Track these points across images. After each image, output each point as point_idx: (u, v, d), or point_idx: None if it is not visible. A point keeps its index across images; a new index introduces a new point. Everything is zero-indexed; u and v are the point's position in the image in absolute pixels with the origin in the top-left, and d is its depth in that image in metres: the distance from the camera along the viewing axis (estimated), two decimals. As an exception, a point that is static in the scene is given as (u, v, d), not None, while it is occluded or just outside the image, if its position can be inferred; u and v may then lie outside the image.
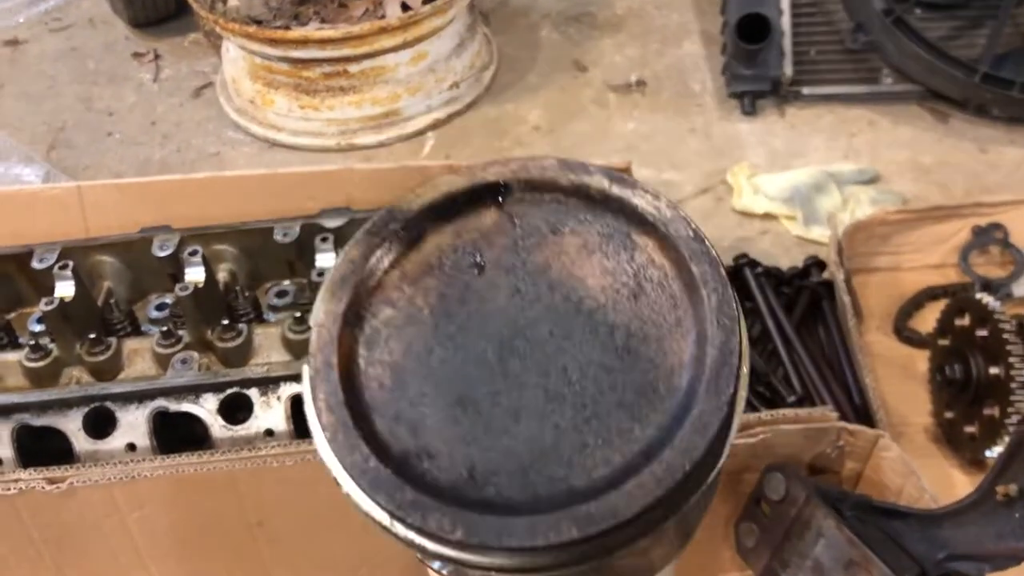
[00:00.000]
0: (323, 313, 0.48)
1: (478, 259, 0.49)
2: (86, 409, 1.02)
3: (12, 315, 1.19)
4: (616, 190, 0.48)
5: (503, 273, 0.48)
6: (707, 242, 0.47)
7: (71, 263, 1.11)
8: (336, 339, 0.47)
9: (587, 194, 0.49)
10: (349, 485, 0.46)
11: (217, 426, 1.02)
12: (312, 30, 1.70)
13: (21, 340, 1.15)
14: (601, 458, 0.44)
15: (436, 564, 0.52)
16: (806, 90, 1.85)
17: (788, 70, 1.81)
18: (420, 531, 0.44)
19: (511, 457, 0.45)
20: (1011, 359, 1.08)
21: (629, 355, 0.46)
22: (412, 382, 0.46)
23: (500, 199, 0.50)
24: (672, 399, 0.45)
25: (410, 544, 0.46)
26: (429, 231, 0.50)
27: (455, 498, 0.44)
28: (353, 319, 0.48)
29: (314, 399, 0.47)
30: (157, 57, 2.10)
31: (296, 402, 1.02)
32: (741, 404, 0.47)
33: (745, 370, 0.47)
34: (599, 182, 0.49)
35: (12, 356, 1.09)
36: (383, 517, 0.45)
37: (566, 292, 0.47)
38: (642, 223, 0.48)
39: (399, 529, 0.45)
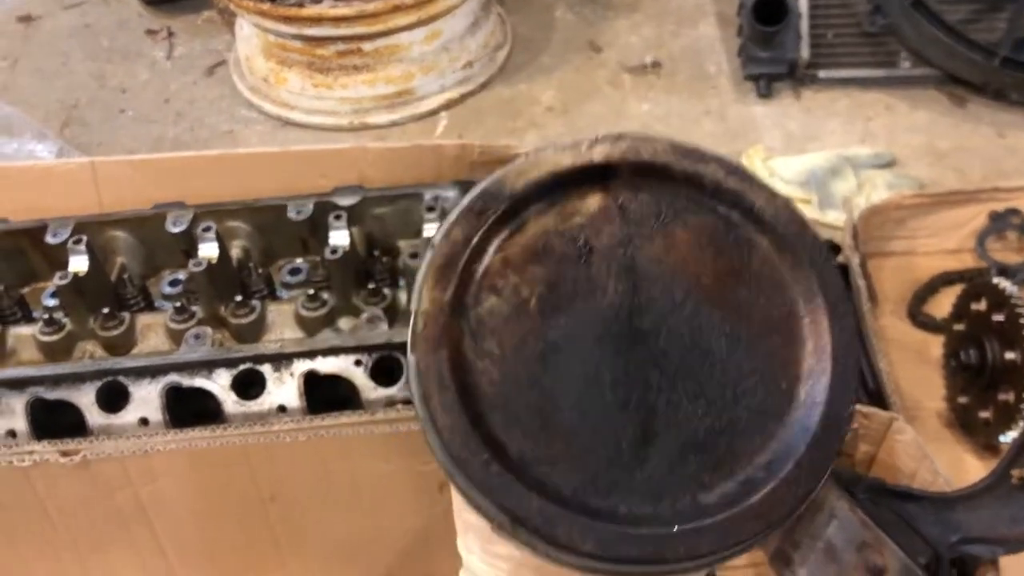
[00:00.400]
0: (429, 301, 0.45)
1: (585, 248, 0.46)
2: (99, 383, 1.02)
3: (26, 289, 1.19)
4: (732, 183, 0.46)
5: (612, 265, 0.45)
6: (823, 245, 0.45)
7: (85, 238, 1.11)
8: (444, 330, 0.45)
9: (700, 183, 0.46)
10: (468, 487, 0.44)
11: (230, 402, 1.02)
12: (326, 8, 1.70)
13: (35, 314, 1.15)
14: (728, 472, 0.43)
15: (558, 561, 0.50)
16: (823, 73, 1.83)
17: (805, 53, 1.80)
18: (546, 539, 0.42)
19: (634, 468, 0.43)
20: (1027, 344, 1.07)
21: (750, 365, 0.44)
22: (524, 381, 0.44)
23: (607, 182, 0.47)
24: (794, 414, 0.43)
25: (532, 548, 0.44)
26: (532, 212, 0.47)
27: (581, 506, 0.42)
28: (459, 308, 0.45)
29: (425, 397, 0.44)
30: (171, 35, 2.10)
31: (309, 379, 1.02)
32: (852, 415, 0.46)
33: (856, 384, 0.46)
34: (714, 172, 0.46)
35: (26, 330, 1.09)
36: (505, 521, 0.43)
37: (680, 292, 0.44)
38: (758, 222, 0.45)
39: (522, 534, 0.43)
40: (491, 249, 0.46)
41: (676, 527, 0.42)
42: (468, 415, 0.43)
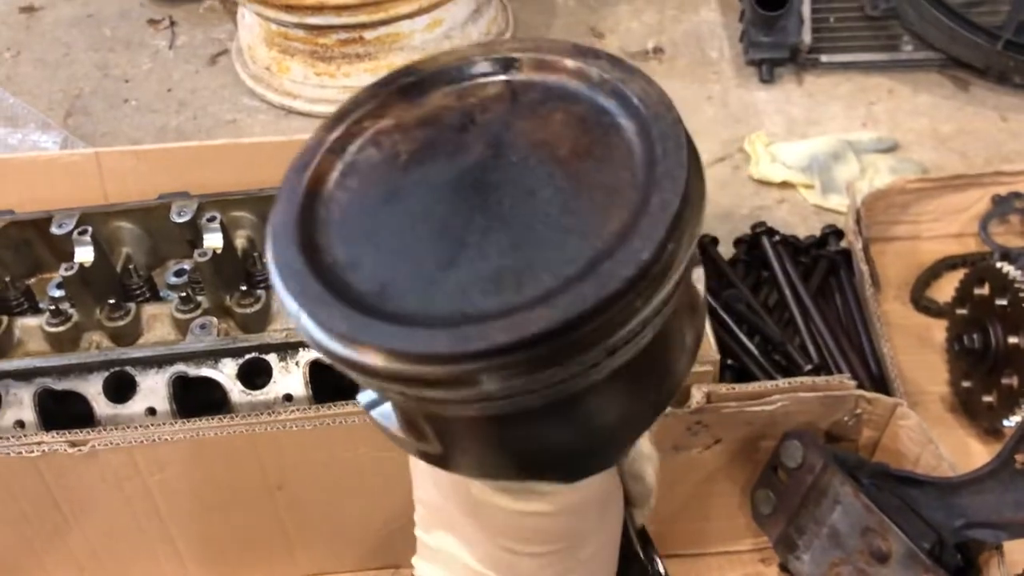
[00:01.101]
0: (313, 136, 0.49)
1: (468, 119, 0.49)
2: (106, 373, 1.03)
3: (32, 280, 1.20)
4: (615, 74, 0.48)
5: (485, 134, 0.48)
6: (682, 136, 0.46)
7: (90, 229, 1.12)
8: (316, 157, 0.49)
9: (587, 76, 0.49)
10: (275, 280, 0.45)
11: (236, 391, 1.03)
12: (328, -4, 1.69)
13: (42, 305, 1.16)
14: (554, 270, 0.42)
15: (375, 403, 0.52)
16: (825, 58, 1.83)
17: (807, 37, 1.79)
18: (320, 326, 0.43)
19: (430, 285, 0.43)
20: (1031, 328, 1.08)
21: (572, 223, 0.44)
22: (363, 211, 0.47)
23: (509, 74, 0.50)
24: (629, 205, 0.43)
25: (320, 350, 0.44)
26: (435, 90, 0.51)
27: (360, 303, 0.43)
28: (338, 148, 0.49)
29: (274, 208, 0.48)
30: (173, 24, 2.10)
31: (315, 367, 1.03)
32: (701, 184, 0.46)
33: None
34: (601, 66, 0.49)
35: (33, 321, 1.10)
36: (292, 307, 0.44)
37: (535, 158, 0.47)
38: (628, 107, 0.47)
39: (305, 323, 0.44)
40: (388, 114, 0.50)
41: (482, 322, 0.41)
42: (300, 231, 0.46)
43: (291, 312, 0.44)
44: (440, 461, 0.50)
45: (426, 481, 0.59)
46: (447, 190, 0.46)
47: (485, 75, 0.50)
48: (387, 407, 0.51)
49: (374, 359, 0.41)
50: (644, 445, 0.58)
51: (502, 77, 0.50)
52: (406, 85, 0.50)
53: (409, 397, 0.45)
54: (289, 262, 0.44)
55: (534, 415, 0.44)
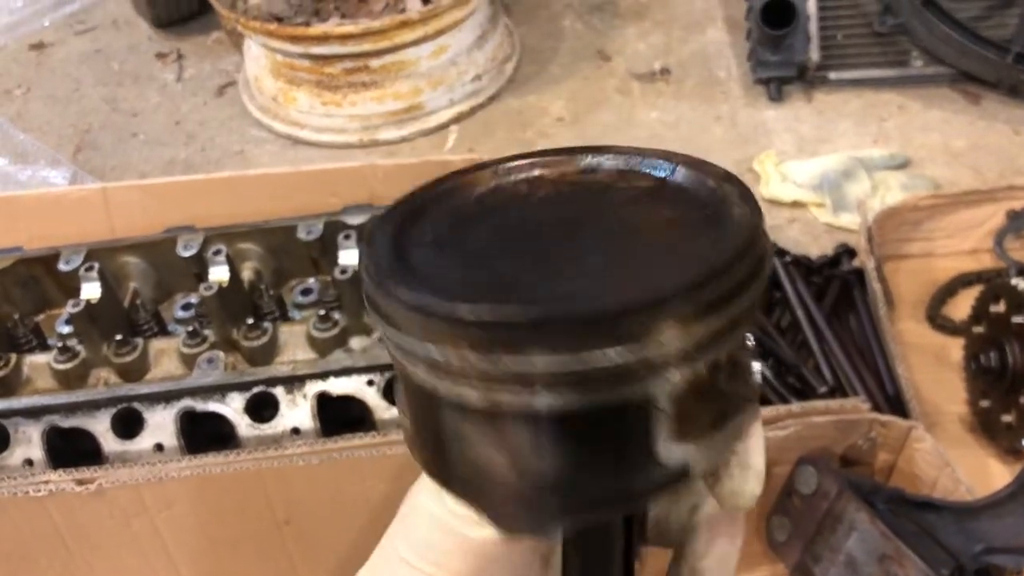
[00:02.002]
0: (393, 202, 0.48)
1: (533, 184, 0.49)
2: (114, 410, 1.03)
3: (40, 317, 1.20)
4: (664, 161, 0.48)
5: (551, 193, 0.48)
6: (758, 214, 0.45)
7: (97, 264, 1.12)
8: (397, 215, 0.47)
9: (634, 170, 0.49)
10: (369, 286, 0.43)
11: (243, 425, 1.02)
12: (332, 26, 1.70)
13: (50, 342, 1.16)
14: (638, 272, 0.41)
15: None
16: (833, 75, 1.82)
17: (815, 55, 1.78)
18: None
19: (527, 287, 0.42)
20: (1049, 346, 1.06)
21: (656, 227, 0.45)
22: (449, 246, 0.46)
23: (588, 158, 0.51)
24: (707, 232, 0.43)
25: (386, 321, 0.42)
26: (492, 182, 0.50)
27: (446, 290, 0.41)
28: (416, 209, 0.48)
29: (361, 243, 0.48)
30: (180, 57, 2.11)
31: (322, 400, 1.02)
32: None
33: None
34: (644, 155, 0.49)
35: (41, 358, 1.10)
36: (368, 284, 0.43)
37: (608, 206, 0.47)
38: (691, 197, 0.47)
39: (372, 292, 0.42)
40: (449, 197, 0.49)
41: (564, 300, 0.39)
42: (396, 252, 0.44)
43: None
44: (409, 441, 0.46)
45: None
46: (522, 235, 0.46)
47: (557, 163, 0.50)
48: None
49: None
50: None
51: (555, 169, 0.50)
52: (466, 180, 0.50)
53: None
54: (391, 274, 0.42)
55: (500, 420, 0.40)
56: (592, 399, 0.38)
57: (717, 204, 0.45)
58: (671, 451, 0.41)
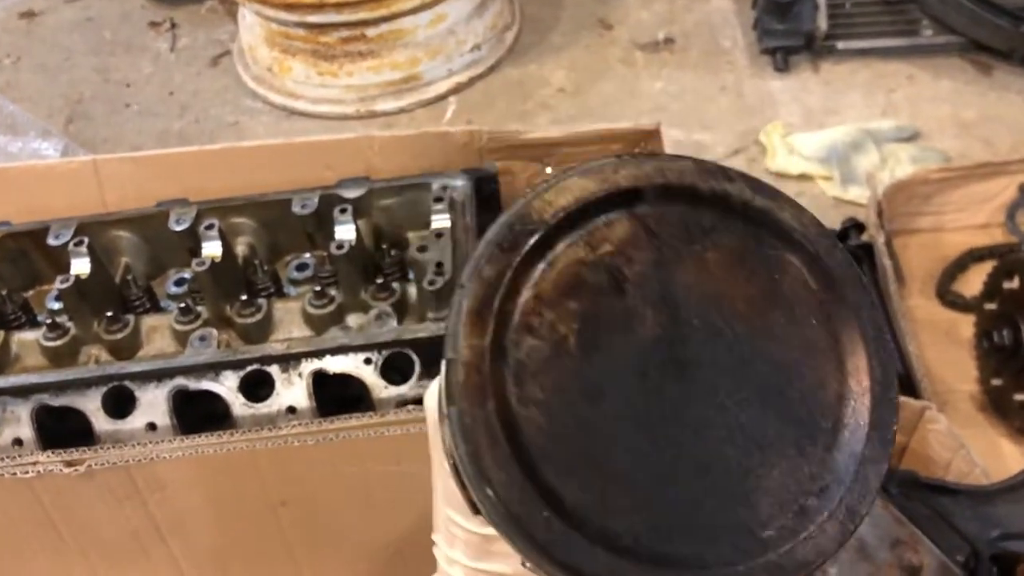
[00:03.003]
0: (468, 348, 0.42)
1: (618, 277, 0.44)
2: (105, 389, 1.00)
3: (30, 293, 1.17)
4: (759, 201, 0.45)
5: (647, 293, 0.44)
6: (854, 263, 0.44)
7: (86, 239, 1.09)
8: (489, 378, 0.42)
9: (727, 203, 0.45)
10: (529, 548, 0.41)
11: (238, 404, 0.99)
12: (329, -7, 1.66)
13: (39, 318, 1.13)
14: (781, 505, 0.42)
15: None
16: (841, 44, 1.78)
17: (822, 24, 1.75)
18: None
19: (692, 509, 0.42)
20: (1064, 324, 1.03)
21: (789, 387, 0.43)
22: (571, 426, 0.42)
23: (633, 206, 0.45)
24: (836, 434, 0.43)
25: None
26: (561, 243, 0.45)
27: (647, 555, 0.41)
28: (499, 352, 0.42)
29: (475, 456, 0.41)
30: (174, 26, 2.07)
31: (318, 378, 1.00)
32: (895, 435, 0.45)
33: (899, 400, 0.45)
34: (740, 191, 0.45)
35: (30, 335, 1.07)
36: None
37: (719, 319, 0.43)
38: (787, 240, 0.44)
39: None
40: (524, 287, 0.43)
41: (742, 566, 0.41)
42: (522, 468, 0.41)
43: None
44: None
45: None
46: (647, 380, 0.42)
47: (607, 212, 0.45)
48: None
49: None
50: None
51: (627, 212, 0.45)
52: (531, 247, 0.44)
53: None
54: (547, 531, 0.40)
55: None
56: None
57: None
58: None
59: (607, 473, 0.42)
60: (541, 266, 0.44)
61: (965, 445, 0.88)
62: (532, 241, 0.44)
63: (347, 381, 1.00)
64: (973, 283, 1.26)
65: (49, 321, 1.05)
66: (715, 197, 0.45)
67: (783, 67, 1.78)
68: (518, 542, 0.41)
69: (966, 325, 1.23)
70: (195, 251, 1.10)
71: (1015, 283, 1.12)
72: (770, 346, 0.43)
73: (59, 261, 1.11)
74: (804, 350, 0.43)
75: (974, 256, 1.33)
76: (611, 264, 0.44)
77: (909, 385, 1.11)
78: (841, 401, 0.43)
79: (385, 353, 0.99)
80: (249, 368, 1.00)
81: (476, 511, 0.44)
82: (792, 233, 0.44)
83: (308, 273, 1.15)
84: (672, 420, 0.42)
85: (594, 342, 0.43)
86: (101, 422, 1.00)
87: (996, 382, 1.15)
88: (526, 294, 0.43)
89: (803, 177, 1.55)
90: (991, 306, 1.17)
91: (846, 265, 0.44)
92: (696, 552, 0.42)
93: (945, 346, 1.24)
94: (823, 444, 0.43)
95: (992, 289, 1.17)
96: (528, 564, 0.42)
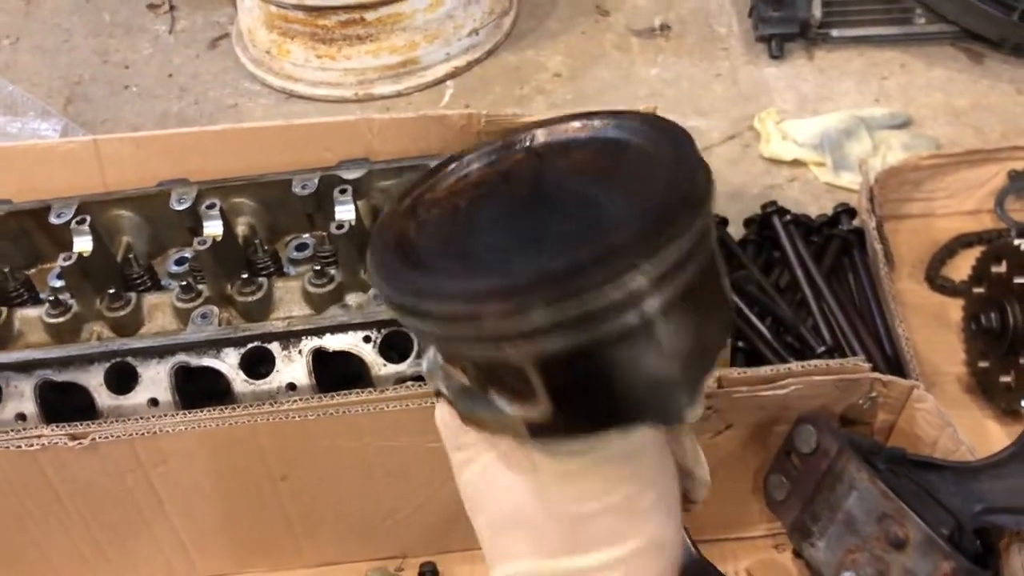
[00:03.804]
0: (389, 210, 0.58)
1: (507, 173, 0.59)
2: (107, 364, 1.02)
3: (32, 271, 1.19)
4: (612, 118, 0.59)
5: (525, 178, 0.59)
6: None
7: (88, 218, 1.10)
8: (396, 220, 0.57)
9: (592, 127, 0.59)
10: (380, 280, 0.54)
11: (239, 380, 1.01)
12: (327, -24, 1.67)
13: (42, 296, 1.14)
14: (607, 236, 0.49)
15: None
16: (836, 32, 1.79)
17: (817, 12, 1.76)
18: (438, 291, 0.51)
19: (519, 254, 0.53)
20: (1050, 307, 1.05)
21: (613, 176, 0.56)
22: (447, 237, 0.56)
23: (526, 143, 0.61)
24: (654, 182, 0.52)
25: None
26: (475, 167, 0.60)
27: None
28: (410, 214, 0.57)
29: (371, 249, 0.55)
30: (172, 8, 2.07)
31: (318, 356, 1.01)
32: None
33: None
34: (600, 117, 0.59)
35: (33, 312, 1.09)
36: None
37: (573, 174, 0.58)
38: (630, 129, 0.58)
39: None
40: (441, 187, 0.59)
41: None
42: (397, 250, 0.55)
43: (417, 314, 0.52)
44: (545, 426, 0.53)
45: (493, 496, 0.59)
46: (507, 210, 0.57)
47: (509, 149, 0.60)
48: (491, 392, 0.55)
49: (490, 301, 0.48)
50: (693, 445, 0.64)
51: (522, 146, 0.60)
52: (452, 168, 0.60)
53: (519, 345, 0.49)
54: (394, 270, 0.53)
55: (617, 342, 0.49)
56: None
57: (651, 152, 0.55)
58: None
59: (461, 251, 0.55)
60: (456, 179, 0.59)
61: (951, 424, 0.90)
62: (453, 162, 0.60)
63: (346, 359, 1.02)
64: (962, 268, 1.28)
65: (52, 298, 1.07)
66: (583, 126, 0.59)
67: (778, 54, 1.79)
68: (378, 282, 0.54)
69: (954, 309, 1.25)
70: (196, 230, 1.11)
71: (1003, 268, 1.14)
72: (613, 186, 0.55)
73: (61, 239, 1.13)
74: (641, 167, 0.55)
75: (963, 242, 1.35)
76: (503, 169, 0.59)
77: (898, 366, 1.13)
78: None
79: (384, 331, 1.01)
80: (250, 345, 1.02)
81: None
82: (630, 124, 0.57)
83: (308, 253, 1.17)
84: (518, 219, 0.56)
85: (478, 202, 0.57)
86: (104, 397, 1.01)
87: (983, 364, 1.17)
88: (443, 191, 0.59)
89: (796, 163, 1.57)
90: (979, 290, 1.18)
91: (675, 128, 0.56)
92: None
93: (934, 329, 1.25)
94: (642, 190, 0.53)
95: (980, 274, 1.19)
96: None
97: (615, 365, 0.50)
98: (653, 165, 0.53)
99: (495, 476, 0.58)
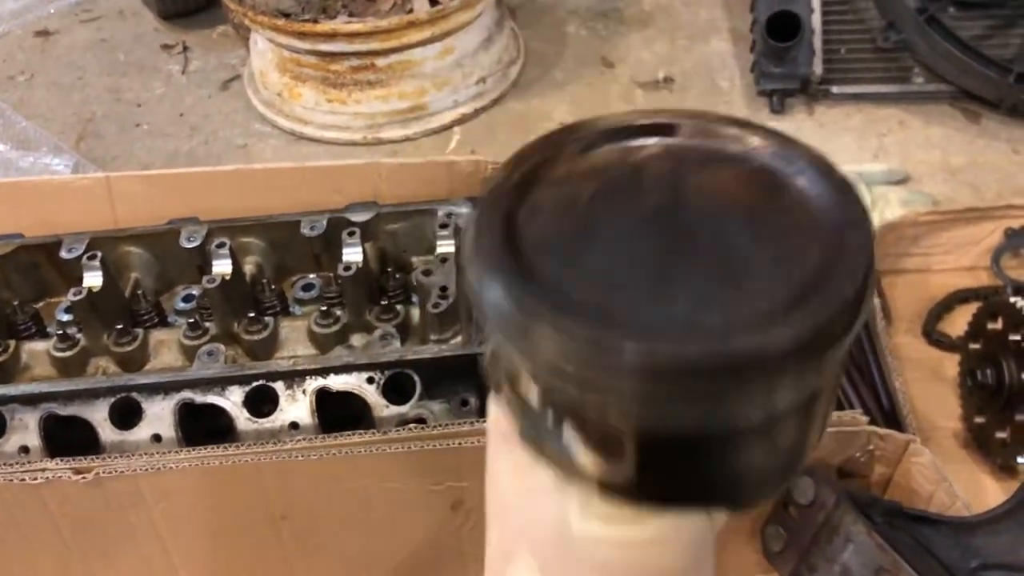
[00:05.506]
0: (497, 177, 0.49)
1: (640, 169, 0.50)
2: (112, 399, 1.02)
3: (40, 304, 1.20)
4: (774, 142, 0.50)
5: (660, 182, 0.50)
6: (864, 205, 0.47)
7: (99, 253, 1.12)
8: (504, 195, 0.48)
9: (747, 142, 0.50)
10: (480, 277, 0.45)
11: (242, 419, 1.02)
12: (340, 23, 1.70)
13: (49, 329, 1.15)
14: (755, 305, 0.43)
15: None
16: (836, 89, 1.83)
17: (818, 68, 1.79)
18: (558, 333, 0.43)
19: (657, 302, 0.44)
20: (1045, 365, 1.06)
21: (770, 229, 0.46)
22: (564, 242, 0.47)
23: (667, 136, 0.52)
24: (821, 241, 0.45)
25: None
26: (600, 146, 0.51)
27: (568, 305, 0.43)
28: (522, 187, 0.49)
29: (476, 235, 0.46)
30: (186, 49, 2.11)
31: (321, 396, 1.02)
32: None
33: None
34: (760, 135, 0.50)
35: (40, 345, 1.10)
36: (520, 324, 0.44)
37: (717, 199, 0.48)
38: (796, 166, 0.49)
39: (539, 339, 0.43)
40: (559, 162, 0.50)
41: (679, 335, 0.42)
42: (506, 241, 0.46)
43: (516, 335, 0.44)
44: (615, 487, 0.47)
45: (521, 518, 0.54)
46: (641, 224, 0.47)
47: (645, 136, 0.51)
48: (567, 430, 0.48)
49: (623, 354, 0.41)
50: None
51: (660, 139, 0.51)
52: (575, 139, 0.51)
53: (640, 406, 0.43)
54: (506, 282, 0.44)
55: (736, 435, 0.45)
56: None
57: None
58: None
59: (582, 264, 0.46)
60: (576, 152, 0.50)
61: (947, 478, 0.91)
62: (573, 136, 0.51)
63: (349, 399, 1.02)
64: (958, 323, 1.29)
65: (60, 332, 1.08)
66: (737, 138, 0.50)
67: (779, 109, 1.82)
68: (473, 277, 0.45)
69: (951, 364, 1.26)
70: (204, 268, 1.13)
71: (999, 324, 1.15)
72: (763, 225, 0.47)
73: (70, 274, 1.14)
74: (794, 232, 0.46)
75: (960, 297, 1.36)
76: (636, 162, 0.50)
77: (895, 420, 1.14)
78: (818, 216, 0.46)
79: (388, 373, 1.02)
80: (255, 384, 1.03)
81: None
82: (798, 160, 0.49)
83: (314, 293, 1.18)
84: (655, 246, 0.46)
85: (604, 199, 0.48)
86: (107, 432, 1.02)
87: (979, 420, 1.17)
88: (559, 168, 0.50)
89: (796, 216, 1.59)
90: (975, 346, 1.20)
91: (850, 189, 0.48)
92: (642, 323, 0.43)
93: (930, 384, 1.27)
94: (807, 250, 0.45)
95: (976, 330, 1.20)
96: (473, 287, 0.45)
97: (721, 453, 0.46)
98: (817, 230, 0.45)
99: (535, 504, 0.52)
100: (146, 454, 0.94)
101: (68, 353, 1.08)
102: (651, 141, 0.51)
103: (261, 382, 1.03)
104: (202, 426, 1.04)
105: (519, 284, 0.44)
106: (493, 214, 0.47)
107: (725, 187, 0.49)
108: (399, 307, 1.10)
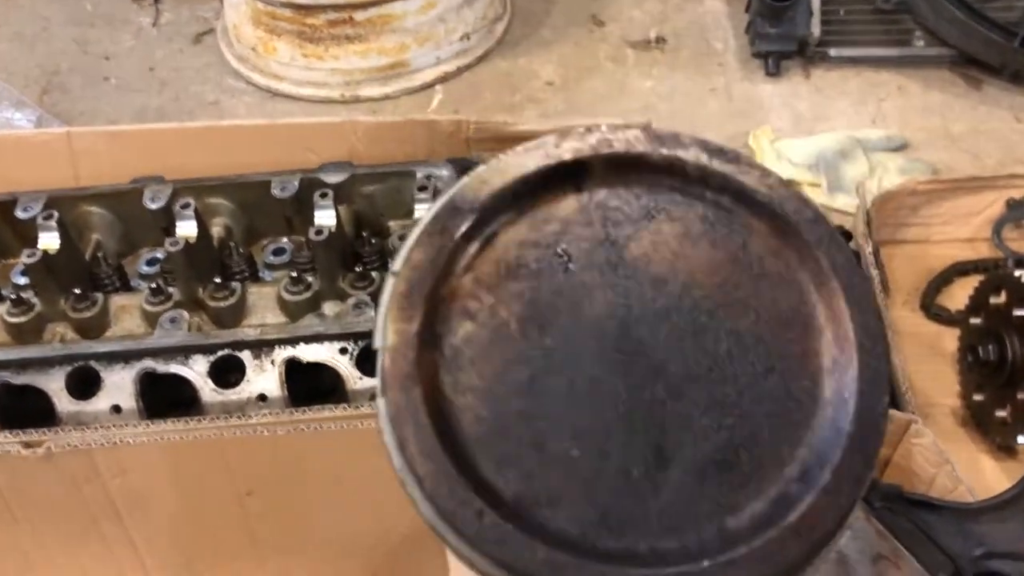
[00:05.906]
0: (393, 334, 0.40)
1: (563, 256, 0.41)
2: (69, 368, 0.97)
3: (-5, 267, 1.14)
4: (717, 165, 0.42)
5: (596, 272, 0.40)
6: (828, 222, 0.39)
7: (56, 213, 1.06)
8: (415, 366, 0.39)
9: (682, 171, 0.42)
10: (460, 543, 0.38)
11: (207, 389, 0.97)
12: (317, -26, 1.63)
13: (3, 293, 1.09)
14: (755, 490, 0.38)
15: None
16: (833, 51, 1.77)
17: (816, 30, 1.73)
18: None
19: (647, 498, 0.38)
20: (1052, 342, 1.02)
21: (761, 363, 0.39)
22: (512, 414, 0.39)
23: (580, 180, 0.42)
24: (822, 414, 0.38)
25: None
26: (501, 223, 0.42)
27: (594, 550, 0.37)
28: (430, 339, 0.40)
29: (401, 445, 0.39)
30: (157, 0, 2.03)
31: (291, 366, 0.97)
32: (887, 410, 0.41)
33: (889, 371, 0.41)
34: (696, 157, 0.42)
35: (-7, 310, 1.04)
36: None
37: (675, 291, 0.39)
38: (751, 204, 0.40)
39: None
40: (459, 269, 0.41)
41: (705, 562, 0.37)
42: (453, 459, 0.38)
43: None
44: None
45: None
46: (596, 362, 0.38)
47: (552, 190, 0.41)
48: None
49: None
50: None
51: (573, 188, 0.41)
52: (466, 231, 0.41)
53: None
54: (479, 525, 0.37)
55: None
56: None
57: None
58: None
59: (551, 461, 0.38)
60: (475, 248, 0.41)
61: (950, 461, 0.87)
62: (465, 225, 0.41)
63: (321, 371, 0.98)
64: (957, 296, 1.25)
65: (14, 296, 1.02)
66: (669, 165, 0.42)
67: (774, 72, 1.77)
68: (447, 538, 0.38)
69: (949, 338, 1.22)
70: (169, 230, 1.07)
71: (1002, 299, 1.11)
72: (735, 317, 0.39)
73: (27, 235, 1.08)
74: (775, 320, 0.39)
75: (959, 270, 1.32)
76: (555, 242, 0.41)
77: (892, 397, 1.10)
78: (820, 373, 0.39)
79: (361, 343, 0.97)
80: (220, 353, 0.98)
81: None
82: (755, 195, 0.40)
83: (285, 258, 1.13)
84: (624, 404, 0.38)
85: (538, 324, 0.40)
86: (64, 403, 0.96)
87: (978, 397, 1.14)
88: (463, 278, 0.41)
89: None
90: (976, 320, 1.16)
91: (818, 226, 0.40)
92: (651, 546, 0.37)
93: (928, 359, 1.23)
94: (802, 422, 0.39)
95: (978, 304, 1.16)
96: (460, 560, 0.39)
97: None
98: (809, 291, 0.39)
99: None
100: (102, 427, 0.89)
101: (23, 319, 1.01)
102: (561, 202, 0.41)
103: (227, 351, 0.98)
104: (165, 397, 0.99)
105: (462, 496, 0.37)
106: (411, 395, 0.38)
107: (679, 264, 0.40)
108: (374, 274, 1.04)
